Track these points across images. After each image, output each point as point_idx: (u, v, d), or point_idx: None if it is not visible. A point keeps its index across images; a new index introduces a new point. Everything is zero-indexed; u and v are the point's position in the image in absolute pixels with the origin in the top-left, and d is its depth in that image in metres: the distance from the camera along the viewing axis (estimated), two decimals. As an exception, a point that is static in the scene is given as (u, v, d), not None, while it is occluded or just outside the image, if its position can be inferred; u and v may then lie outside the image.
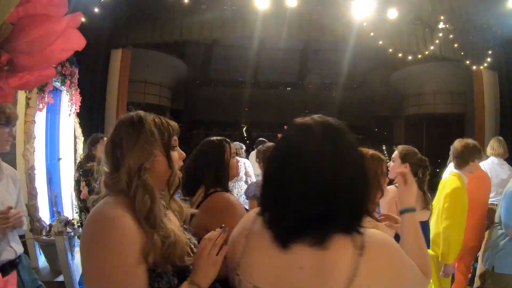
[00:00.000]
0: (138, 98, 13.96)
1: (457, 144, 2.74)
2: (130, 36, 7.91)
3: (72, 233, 3.00)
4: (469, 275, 3.03)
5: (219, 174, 1.45)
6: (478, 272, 2.85)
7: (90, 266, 0.85)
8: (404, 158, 2.32)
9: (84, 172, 2.75)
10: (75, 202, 4.42)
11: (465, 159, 2.55)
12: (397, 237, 1.25)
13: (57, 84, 3.87)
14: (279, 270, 0.77)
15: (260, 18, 7.19)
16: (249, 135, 21.89)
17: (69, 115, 4.59)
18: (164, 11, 7.56)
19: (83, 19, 0.76)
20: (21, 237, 3.10)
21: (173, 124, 1.11)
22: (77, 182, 2.75)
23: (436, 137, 15.60)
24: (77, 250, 3.53)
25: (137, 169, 0.93)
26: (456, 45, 7.88)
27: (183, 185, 1.19)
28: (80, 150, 5.09)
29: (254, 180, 4.62)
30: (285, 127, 0.95)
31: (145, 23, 7.73)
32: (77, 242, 3.50)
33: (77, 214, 4.06)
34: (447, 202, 2.35)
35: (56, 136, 4.33)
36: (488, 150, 3.62)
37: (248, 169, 4.72)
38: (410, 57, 9.20)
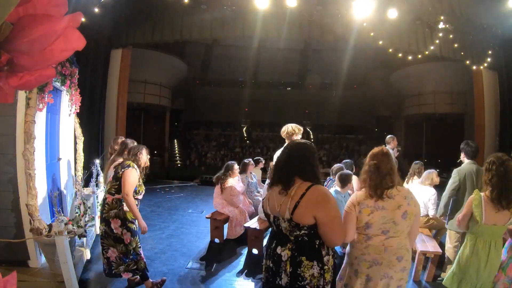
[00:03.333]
0: (138, 98, 13.97)
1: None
2: (130, 36, 7.91)
3: (76, 231, 3.00)
4: None
5: (315, 170, 1.75)
6: None
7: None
8: None
9: (120, 165, 2.99)
10: (75, 203, 4.42)
11: None
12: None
13: (57, 84, 3.86)
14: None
15: (260, 18, 7.18)
16: (249, 135, 21.91)
17: (69, 115, 4.59)
18: (164, 11, 7.56)
19: (83, 19, 0.76)
20: (21, 237, 3.10)
21: None
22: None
23: (436, 137, 15.63)
24: (76, 249, 3.53)
25: None
26: (456, 45, 7.86)
27: (280, 179, 1.74)
28: (80, 150, 5.09)
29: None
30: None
31: (145, 23, 7.72)
32: (77, 241, 3.50)
33: (77, 214, 4.07)
34: None
35: (56, 136, 4.32)
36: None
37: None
38: (410, 57, 9.19)
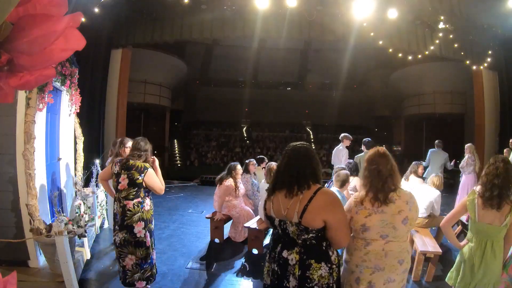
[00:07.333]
0: (138, 98, 13.96)
1: None
2: (130, 36, 7.91)
3: (76, 231, 3.00)
4: None
5: (317, 173, 1.75)
6: None
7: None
8: None
9: (127, 167, 2.84)
10: (75, 203, 4.42)
11: None
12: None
13: (57, 84, 3.86)
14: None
15: (260, 18, 7.18)
16: (249, 135, 21.91)
17: (69, 115, 4.59)
18: (164, 11, 7.55)
19: (83, 19, 0.76)
20: (21, 237, 3.10)
21: None
22: (117, 175, 2.87)
23: (436, 137, 15.62)
24: (76, 249, 3.53)
25: None
26: (456, 45, 7.86)
27: (283, 183, 1.72)
28: (80, 150, 5.09)
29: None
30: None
31: (145, 23, 7.72)
32: (77, 241, 3.50)
33: (77, 214, 4.06)
34: None
35: (56, 136, 4.32)
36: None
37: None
38: (410, 57, 9.20)
